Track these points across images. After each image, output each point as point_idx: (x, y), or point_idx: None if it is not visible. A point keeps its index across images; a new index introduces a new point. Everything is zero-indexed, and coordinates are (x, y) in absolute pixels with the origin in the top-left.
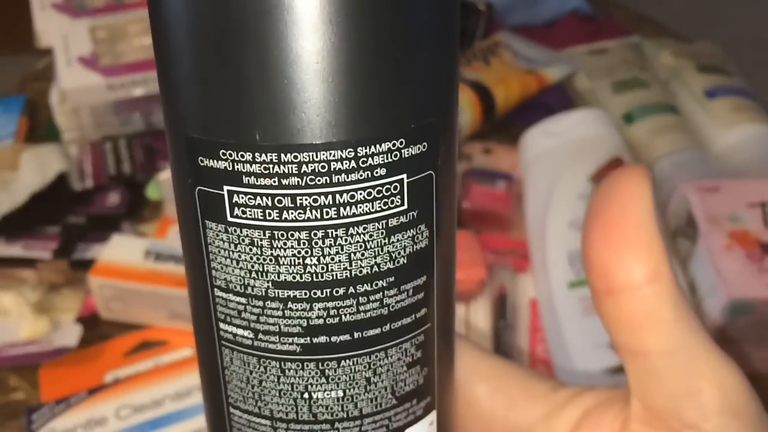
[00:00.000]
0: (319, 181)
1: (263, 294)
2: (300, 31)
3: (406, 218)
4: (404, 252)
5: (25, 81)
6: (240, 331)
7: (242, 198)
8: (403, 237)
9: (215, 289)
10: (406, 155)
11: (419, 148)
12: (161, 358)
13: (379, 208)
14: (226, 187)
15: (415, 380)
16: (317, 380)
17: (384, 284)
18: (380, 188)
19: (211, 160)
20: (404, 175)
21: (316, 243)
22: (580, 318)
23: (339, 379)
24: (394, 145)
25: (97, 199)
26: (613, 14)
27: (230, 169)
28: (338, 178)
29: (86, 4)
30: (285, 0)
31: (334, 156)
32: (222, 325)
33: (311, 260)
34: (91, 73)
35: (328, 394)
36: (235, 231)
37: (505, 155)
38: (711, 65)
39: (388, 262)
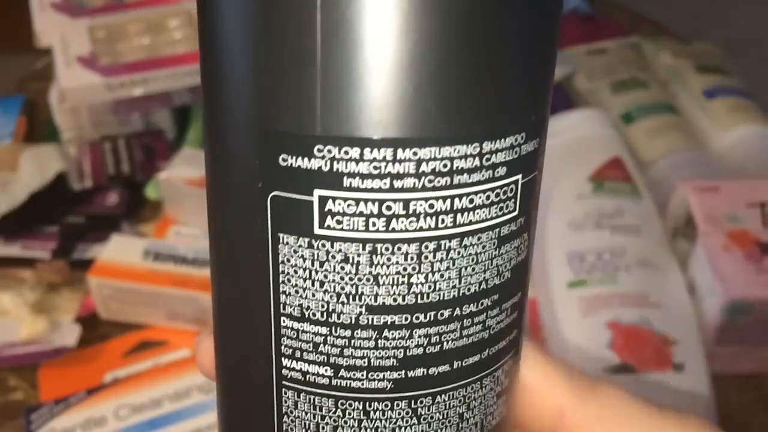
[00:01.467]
0: (438, 182)
1: (352, 322)
2: (430, 6)
3: (516, 225)
4: (509, 265)
5: (25, 81)
6: (314, 368)
7: (339, 205)
8: (511, 247)
9: (283, 319)
10: (524, 152)
11: (533, 144)
12: (160, 358)
13: (495, 214)
14: (317, 192)
15: (501, 412)
16: (407, 421)
17: (488, 303)
18: (499, 191)
19: (298, 159)
20: (520, 176)
21: (426, 257)
22: (580, 318)
23: (432, 417)
24: (516, 140)
25: (97, 199)
26: (613, 14)
27: (326, 169)
28: (459, 179)
29: (86, 4)
30: None
31: (458, 152)
32: (287, 362)
33: (418, 278)
34: (90, 72)
35: None
36: (323, 246)
37: None
38: (710, 65)
39: (495, 278)
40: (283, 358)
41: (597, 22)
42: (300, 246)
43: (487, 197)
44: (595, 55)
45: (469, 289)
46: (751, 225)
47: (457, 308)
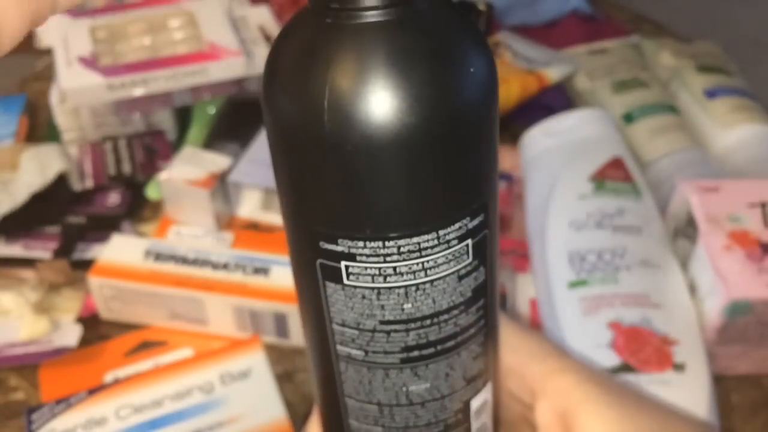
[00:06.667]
0: (412, 255)
1: (372, 329)
2: (394, 167)
3: (471, 267)
4: (469, 289)
5: (25, 81)
6: (354, 351)
7: (355, 269)
8: (469, 278)
9: (333, 324)
10: (471, 227)
11: (478, 220)
12: (161, 358)
13: (454, 265)
14: (343, 262)
15: (479, 367)
16: (411, 379)
17: (457, 312)
18: (454, 253)
19: (330, 245)
20: (470, 240)
21: (410, 294)
22: (580, 318)
23: (427, 376)
24: (463, 223)
25: (97, 199)
26: (613, 14)
27: (346, 251)
28: (425, 252)
29: (86, 4)
30: (377, 150)
31: (423, 239)
32: (339, 347)
33: (408, 305)
34: (91, 73)
35: (418, 386)
36: (349, 289)
37: (505, 155)
38: (711, 65)
39: (460, 297)
40: (337, 345)
41: (597, 22)
42: (337, 289)
43: (446, 258)
44: (596, 55)
45: (441, 306)
46: (752, 225)
47: (435, 317)
